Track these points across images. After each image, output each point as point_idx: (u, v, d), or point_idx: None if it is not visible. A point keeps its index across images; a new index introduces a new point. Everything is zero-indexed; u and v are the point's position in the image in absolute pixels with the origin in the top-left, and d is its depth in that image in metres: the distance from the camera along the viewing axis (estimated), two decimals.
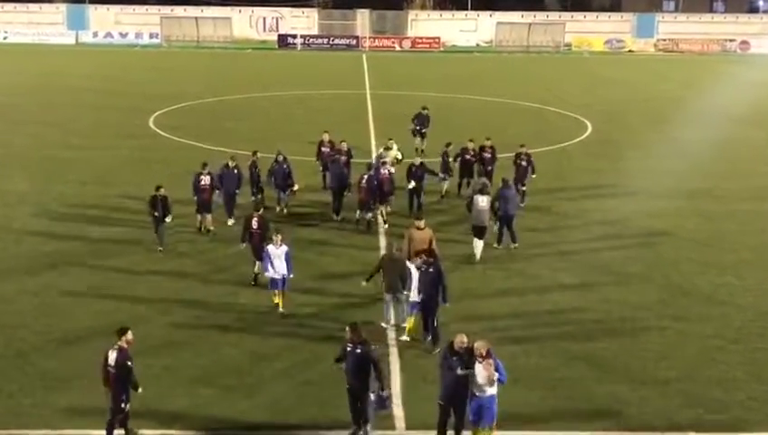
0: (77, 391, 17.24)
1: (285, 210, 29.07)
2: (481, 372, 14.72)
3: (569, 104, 52.57)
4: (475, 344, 14.87)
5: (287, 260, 20.75)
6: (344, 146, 31.07)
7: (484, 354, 14.77)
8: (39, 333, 19.96)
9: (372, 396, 15.32)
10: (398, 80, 62.79)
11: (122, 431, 15.33)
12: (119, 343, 15.32)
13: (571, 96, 56.16)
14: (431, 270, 19.36)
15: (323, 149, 31.55)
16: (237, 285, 22.71)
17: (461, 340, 14.91)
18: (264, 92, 55.88)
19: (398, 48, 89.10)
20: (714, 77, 67.92)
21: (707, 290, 23.38)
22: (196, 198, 27.10)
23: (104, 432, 15.23)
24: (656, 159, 38.50)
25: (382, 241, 26.29)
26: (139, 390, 15.42)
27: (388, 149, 31.60)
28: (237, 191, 27.87)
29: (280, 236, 20.96)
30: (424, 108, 36.88)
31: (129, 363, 15.12)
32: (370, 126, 44.94)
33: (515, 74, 67.93)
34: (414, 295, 19.46)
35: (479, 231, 25.39)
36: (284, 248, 20.80)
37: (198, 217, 27.21)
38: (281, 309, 20.86)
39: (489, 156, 31.36)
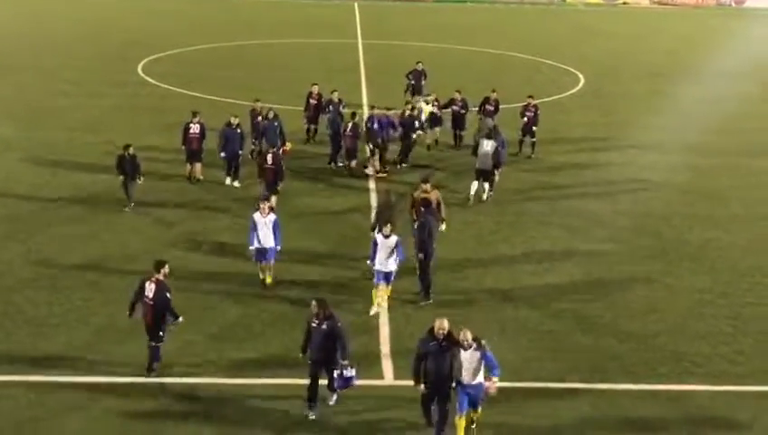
0: (64, 337, 17.23)
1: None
2: (468, 358, 14.04)
3: (562, 57, 52.17)
4: (462, 334, 13.99)
5: (275, 230, 19.20)
6: (335, 96, 30.81)
7: (471, 343, 13.99)
8: (26, 280, 19.88)
9: (336, 374, 14.81)
10: (390, 30, 62.13)
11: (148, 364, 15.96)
12: (156, 275, 15.80)
13: (565, 48, 55.72)
14: (425, 226, 19.44)
15: (311, 101, 31.22)
16: (221, 232, 22.64)
17: (441, 325, 14.08)
18: (254, 40, 55.26)
19: None
20: (708, 31, 67.44)
21: (697, 244, 23.39)
22: (184, 146, 26.87)
23: (91, 378, 15.25)
24: (648, 113, 38.31)
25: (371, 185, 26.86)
26: (180, 319, 16.03)
27: (426, 103, 31.02)
28: (241, 151, 26.60)
29: (267, 204, 19.56)
30: (418, 63, 36.37)
31: (168, 295, 15.75)
32: (362, 77, 44.54)
33: (509, 26, 67.30)
34: (379, 264, 18.28)
35: (483, 174, 25.83)
36: (272, 217, 19.25)
37: (188, 165, 26.97)
38: (269, 281, 19.51)
39: (492, 108, 31.16)
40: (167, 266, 16.01)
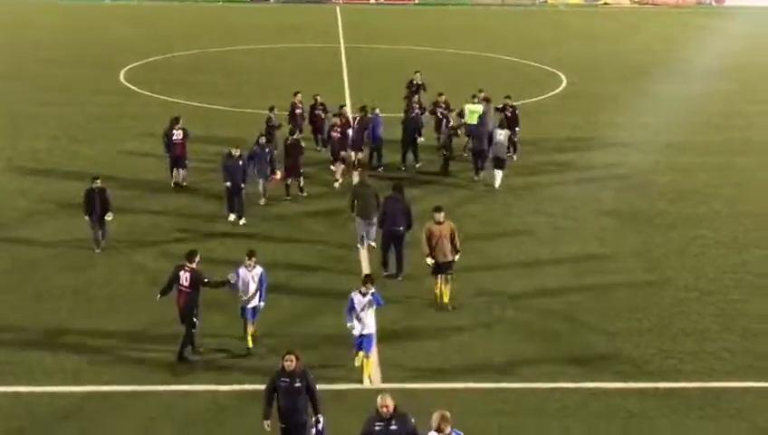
0: (49, 347, 17.16)
1: (262, 199, 25.54)
2: None
3: (544, 57, 52.34)
4: (434, 417, 11.50)
5: (261, 284, 17.29)
6: (318, 99, 30.90)
7: (442, 429, 11.47)
8: (11, 289, 19.79)
9: (314, 433, 13.15)
10: (372, 33, 62.17)
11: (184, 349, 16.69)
12: (188, 265, 16.61)
13: (547, 49, 55.89)
14: (399, 203, 20.52)
15: (296, 111, 31.08)
16: (209, 238, 22.60)
17: (383, 403, 11.93)
18: (236, 46, 55.18)
19: (372, 1, 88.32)
20: (689, 30, 67.80)
21: (681, 243, 23.52)
22: (168, 154, 26.79)
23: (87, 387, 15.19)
24: (630, 113, 38.48)
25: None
26: (230, 277, 16.84)
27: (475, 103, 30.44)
28: (243, 185, 24.11)
29: (254, 260, 17.29)
30: (416, 72, 35.84)
31: (206, 280, 16.65)
32: (345, 80, 44.55)
33: (491, 28, 67.45)
34: (357, 328, 16.26)
35: (498, 162, 27.34)
36: (258, 270, 17.31)
37: (174, 172, 26.90)
38: (249, 345, 17.23)
39: (509, 114, 30.44)
40: (198, 256, 16.92)
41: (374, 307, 16.30)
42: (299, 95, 31.36)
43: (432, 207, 20.04)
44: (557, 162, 30.74)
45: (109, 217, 21.87)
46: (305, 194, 26.33)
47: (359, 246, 22.29)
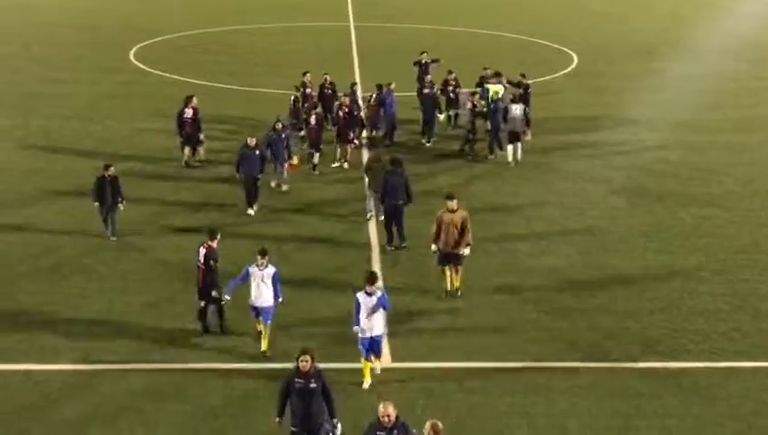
0: (59, 326, 17.27)
1: (283, 185, 25.12)
2: None
3: (555, 36, 52.06)
4: (426, 427, 11.26)
5: (275, 284, 16.32)
6: (327, 79, 30.85)
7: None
8: (22, 269, 19.89)
9: None
10: (382, 11, 61.90)
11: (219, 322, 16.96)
12: (208, 241, 16.92)
13: (557, 28, 55.58)
14: (398, 178, 20.70)
15: (307, 90, 30.96)
16: (220, 217, 22.66)
17: (385, 412, 11.49)
18: (245, 25, 55.03)
19: None
20: (699, 8, 67.27)
21: (692, 222, 23.45)
22: (180, 132, 26.79)
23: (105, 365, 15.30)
24: (641, 92, 38.29)
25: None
26: (226, 297, 16.53)
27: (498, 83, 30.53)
28: (259, 176, 23.39)
29: (267, 258, 16.37)
30: (423, 53, 35.70)
31: (213, 262, 16.67)
32: (354, 60, 44.42)
33: (501, 5, 67.03)
34: (363, 330, 15.32)
35: (514, 136, 27.71)
36: (271, 270, 16.31)
37: (186, 150, 26.91)
38: (264, 348, 16.35)
39: (523, 91, 30.81)
40: (218, 234, 17.23)
41: (382, 315, 15.38)
42: (308, 75, 31.25)
43: (445, 193, 19.56)
44: (567, 141, 30.64)
45: (121, 206, 21.42)
46: (317, 172, 26.39)
47: (368, 215, 22.76)
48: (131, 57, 44.28)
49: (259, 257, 16.27)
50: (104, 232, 21.37)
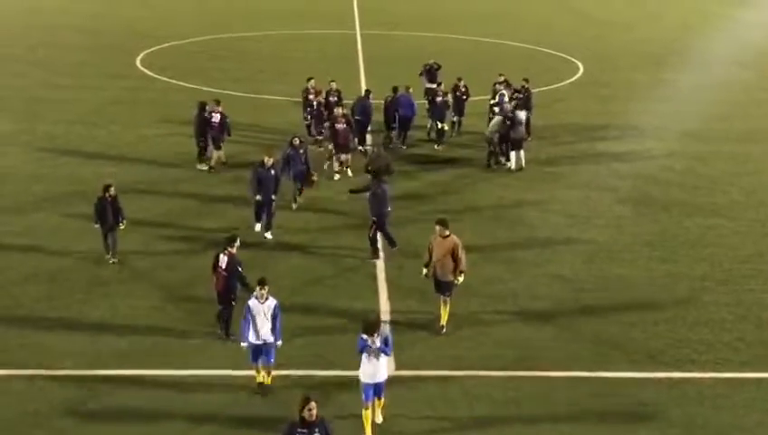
0: (63, 332, 17.26)
1: (296, 204, 24.33)
2: None
3: (561, 45, 52.06)
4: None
5: (274, 319, 15.10)
6: (333, 86, 30.85)
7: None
8: (26, 274, 19.89)
9: None
10: (388, 19, 61.97)
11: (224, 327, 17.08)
12: (228, 248, 16.94)
13: (563, 37, 55.59)
14: (379, 191, 20.90)
15: (309, 96, 30.91)
16: (227, 224, 22.65)
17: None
18: (251, 32, 55.13)
19: None
20: (707, 18, 67.26)
21: (697, 232, 23.40)
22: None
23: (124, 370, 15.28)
24: (646, 101, 38.27)
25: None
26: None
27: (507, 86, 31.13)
28: (274, 197, 22.19)
29: (266, 289, 15.12)
30: (429, 62, 35.77)
31: (239, 267, 16.84)
32: (360, 67, 44.46)
33: (508, 13, 67.09)
34: (367, 376, 14.20)
35: (517, 143, 27.91)
36: (272, 303, 15.10)
37: (214, 154, 27.25)
38: (263, 385, 15.44)
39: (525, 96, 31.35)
40: (238, 240, 17.20)
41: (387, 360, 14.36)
42: (312, 81, 31.26)
43: (437, 218, 18.16)
44: (573, 150, 30.63)
45: (121, 225, 20.73)
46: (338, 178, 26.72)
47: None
48: (138, 63, 44.35)
49: (258, 288, 15.08)
50: (105, 252, 20.54)
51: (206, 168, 27.11)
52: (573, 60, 47.88)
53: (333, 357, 16.35)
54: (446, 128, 30.94)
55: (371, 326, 14.16)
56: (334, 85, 30.92)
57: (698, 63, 47.75)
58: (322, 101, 29.85)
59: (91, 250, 21.11)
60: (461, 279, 17.61)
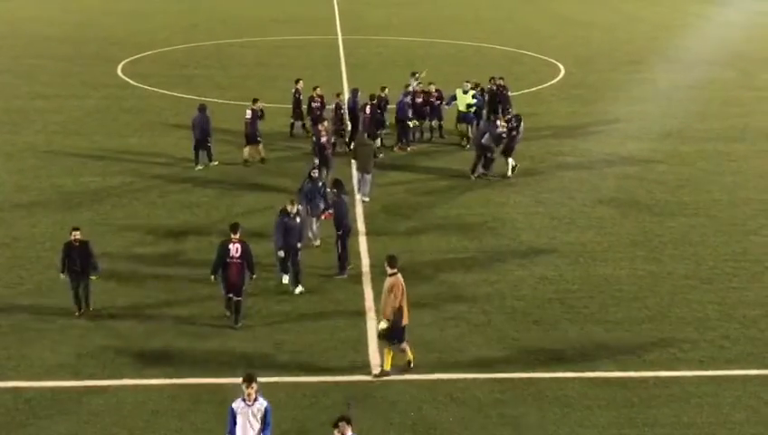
0: (49, 342, 17.19)
1: (315, 241, 22.25)
2: None
3: (541, 47, 52.25)
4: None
5: (264, 423, 12.69)
6: (318, 91, 30.93)
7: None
8: (10, 285, 19.80)
9: None
10: (370, 24, 62.03)
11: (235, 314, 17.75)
12: (234, 236, 17.72)
13: (544, 39, 55.79)
14: (339, 201, 20.65)
15: (299, 97, 31.06)
16: (212, 229, 22.61)
17: (249, 390, 12.36)
18: (233, 39, 55.05)
19: None
20: (686, 18, 67.67)
21: (680, 231, 23.53)
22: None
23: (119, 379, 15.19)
24: (628, 102, 38.44)
25: None
26: (254, 275, 18.12)
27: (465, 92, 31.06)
28: (299, 245, 19.84)
29: (254, 387, 12.65)
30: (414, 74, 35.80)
31: (251, 251, 17.83)
32: (343, 72, 44.47)
33: (489, 16, 67.28)
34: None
35: (510, 151, 27.91)
36: (262, 404, 12.67)
37: (246, 150, 28.38)
38: None
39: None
40: (240, 228, 17.98)
41: None
42: (300, 82, 31.45)
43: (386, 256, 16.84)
44: (556, 151, 30.74)
45: (93, 277, 18.18)
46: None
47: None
48: (119, 72, 44.21)
49: (245, 387, 12.58)
50: (73, 303, 18.12)
51: (201, 167, 27.85)
52: (555, 62, 48.06)
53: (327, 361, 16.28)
54: (411, 125, 30.77)
55: (343, 420, 12.06)
56: (318, 91, 30.96)
57: (679, 63, 48.00)
58: (340, 102, 30.40)
59: None
60: (382, 325, 16.00)
